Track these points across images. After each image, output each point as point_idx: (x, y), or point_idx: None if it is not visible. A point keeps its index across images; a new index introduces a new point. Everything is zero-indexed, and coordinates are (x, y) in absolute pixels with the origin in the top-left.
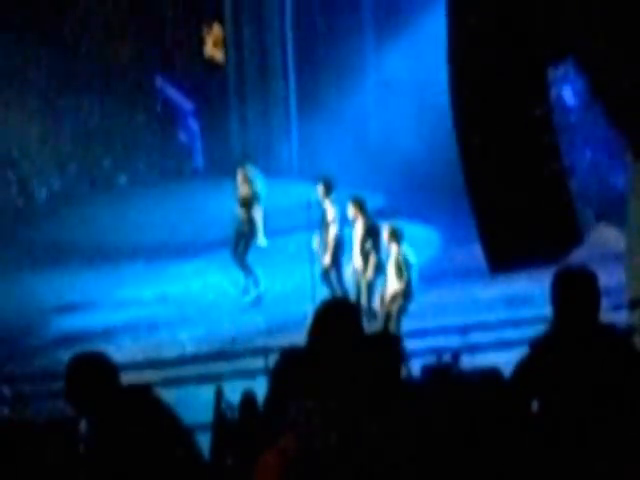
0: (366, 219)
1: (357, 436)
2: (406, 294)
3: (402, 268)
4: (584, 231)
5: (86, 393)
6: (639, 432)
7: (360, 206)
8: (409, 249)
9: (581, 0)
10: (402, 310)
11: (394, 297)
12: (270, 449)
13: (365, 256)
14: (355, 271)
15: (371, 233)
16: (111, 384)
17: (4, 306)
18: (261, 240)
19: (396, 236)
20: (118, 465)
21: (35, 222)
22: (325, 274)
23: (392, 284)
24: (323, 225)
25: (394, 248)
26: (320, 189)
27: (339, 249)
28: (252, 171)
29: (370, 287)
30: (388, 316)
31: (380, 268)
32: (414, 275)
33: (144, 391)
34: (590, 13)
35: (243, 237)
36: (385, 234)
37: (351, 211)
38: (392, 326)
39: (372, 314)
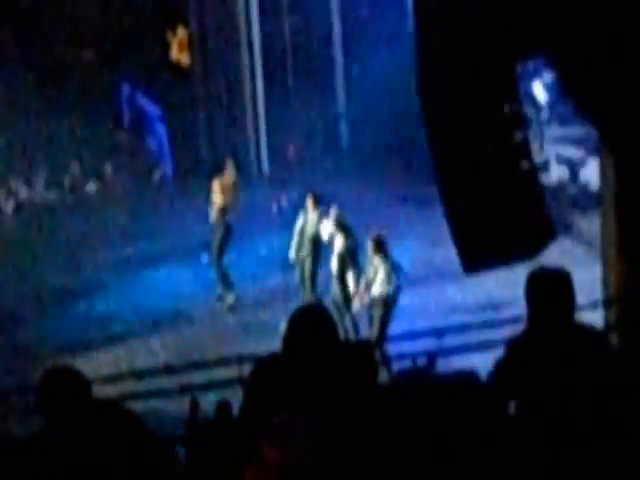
0: (346, 236)
1: (336, 444)
2: (387, 304)
3: (385, 279)
4: (557, 227)
5: (58, 407)
6: (615, 429)
7: (340, 223)
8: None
9: None
10: (384, 321)
11: (375, 305)
12: (253, 465)
13: (341, 273)
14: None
15: (349, 250)
16: (83, 397)
17: None
18: None
19: (381, 247)
20: (91, 478)
21: (3, 232)
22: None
23: (375, 291)
24: (304, 233)
25: (378, 259)
26: (309, 201)
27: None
28: (236, 176)
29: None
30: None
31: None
32: (397, 290)
33: (115, 404)
34: (559, 9)
35: (220, 242)
36: (370, 246)
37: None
38: (374, 334)
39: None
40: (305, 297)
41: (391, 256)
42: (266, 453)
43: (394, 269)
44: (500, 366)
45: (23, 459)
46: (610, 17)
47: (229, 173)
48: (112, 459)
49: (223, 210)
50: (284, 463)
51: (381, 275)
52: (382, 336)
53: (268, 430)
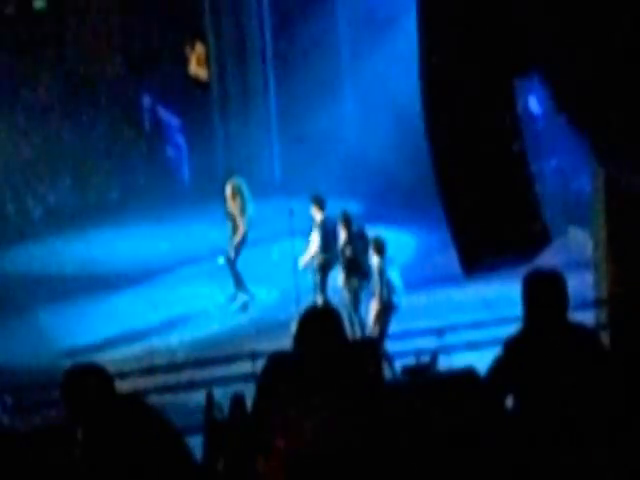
0: (348, 231)
1: (344, 436)
2: (387, 306)
3: (382, 279)
4: (552, 233)
5: (82, 401)
6: (607, 424)
7: (346, 221)
8: (395, 272)
9: (545, 16)
10: (384, 321)
11: (378, 311)
12: (269, 453)
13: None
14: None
15: (355, 246)
16: (106, 392)
17: (4, 320)
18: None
19: (378, 248)
20: (113, 470)
21: (31, 237)
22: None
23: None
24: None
25: (375, 260)
26: (313, 206)
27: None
28: (240, 184)
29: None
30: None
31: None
32: (398, 296)
33: (136, 398)
34: (555, 29)
35: (235, 246)
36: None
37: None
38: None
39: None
40: (316, 298)
41: (386, 273)
42: (277, 444)
43: (389, 287)
44: (498, 363)
45: (46, 452)
46: (605, 35)
47: (231, 182)
48: (134, 452)
49: (232, 216)
50: (293, 454)
51: (378, 278)
52: (382, 336)
53: (279, 423)
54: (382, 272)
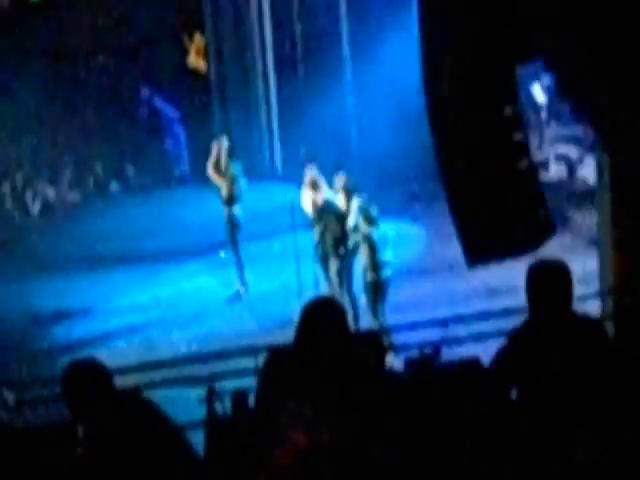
0: (347, 200)
1: (348, 430)
2: (378, 282)
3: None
4: (556, 222)
5: (81, 398)
6: (611, 414)
7: (347, 190)
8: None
9: (547, 2)
10: (378, 298)
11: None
12: (281, 447)
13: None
14: None
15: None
16: (105, 388)
17: (3, 315)
18: None
19: (369, 219)
20: (114, 466)
21: (31, 232)
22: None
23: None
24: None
25: (364, 228)
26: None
27: None
28: (234, 169)
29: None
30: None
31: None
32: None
33: (135, 394)
34: (556, 14)
35: (230, 233)
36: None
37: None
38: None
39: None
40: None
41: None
42: (293, 438)
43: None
44: (502, 354)
45: (47, 449)
46: (606, 20)
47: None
48: (134, 448)
49: (229, 200)
50: (310, 447)
51: (367, 250)
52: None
53: (295, 416)
54: (369, 239)
